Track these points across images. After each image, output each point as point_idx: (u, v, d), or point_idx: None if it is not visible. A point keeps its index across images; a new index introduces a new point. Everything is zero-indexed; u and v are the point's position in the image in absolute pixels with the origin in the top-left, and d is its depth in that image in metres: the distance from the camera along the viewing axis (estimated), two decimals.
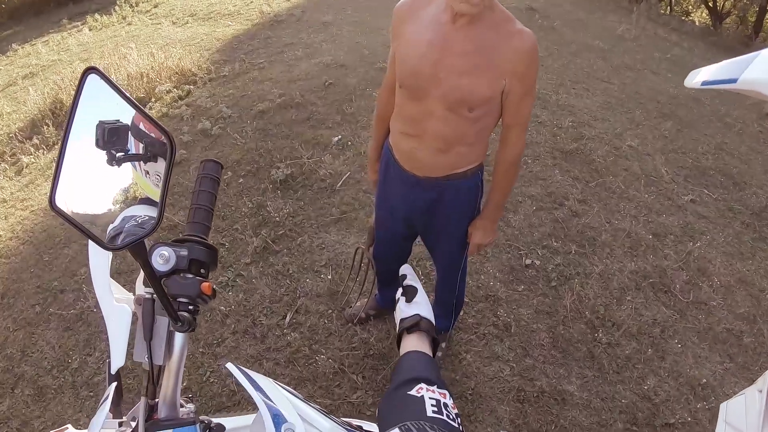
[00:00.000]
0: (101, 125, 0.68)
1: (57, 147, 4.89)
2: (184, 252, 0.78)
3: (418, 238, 2.06)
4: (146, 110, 0.71)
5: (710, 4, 14.59)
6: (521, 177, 3.63)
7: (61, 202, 0.63)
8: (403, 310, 1.04)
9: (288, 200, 3.41)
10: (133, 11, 12.51)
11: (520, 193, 3.46)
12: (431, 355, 0.96)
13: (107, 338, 0.82)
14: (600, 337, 2.52)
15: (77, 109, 0.67)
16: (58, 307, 2.92)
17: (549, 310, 2.63)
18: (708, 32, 12.41)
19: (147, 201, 0.75)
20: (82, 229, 0.64)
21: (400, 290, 1.09)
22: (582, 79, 5.75)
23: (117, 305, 0.83)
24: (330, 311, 2.58)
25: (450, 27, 1.42)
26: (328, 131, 4.20)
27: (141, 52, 7.02)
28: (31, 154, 5.13)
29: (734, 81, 0.74)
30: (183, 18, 10.69)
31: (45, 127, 5.58)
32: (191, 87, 5.80)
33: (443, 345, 2.32)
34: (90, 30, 11.54)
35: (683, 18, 14.76)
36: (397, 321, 1.05)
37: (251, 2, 11.05)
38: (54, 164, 0.66)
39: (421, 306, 1.04)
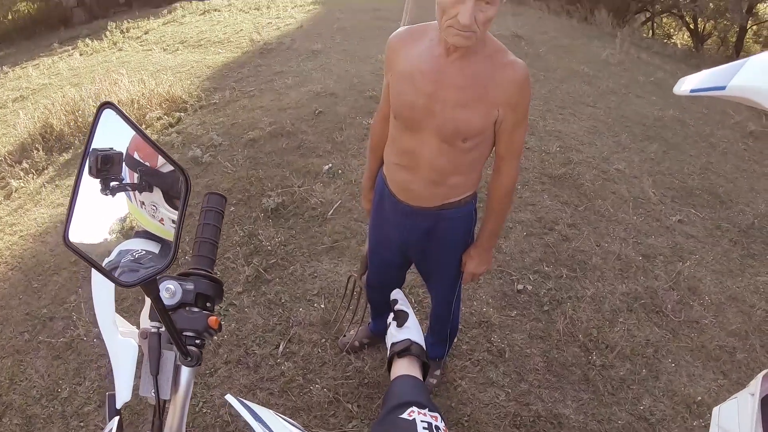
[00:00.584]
0: (94, 152, 0.67)
1: (44, 181, 4.91)
2: (190, 286, 0.79)
3: (412, 266, 2.08)
4: (161, 146, 0.71)
5: (691, 27, 14.92)
6: (511, 203, 3.69)
7: (74, 238, 0.64)
8: (394, 334, 1.06)
9: (279, 229, 3.43)
10: (123, 37, 12.65)
11: (511, 219, 3.51)
12: (422, 379, 0.98)
13: (111, 372, 0.82)
14: (594, 360, 2.54)
15: (92, 144, 0.67)
16: (48, 334, 2.90)
17: (542, 335, 2.65)
18: (690, 54, 12.66)
19: (143, 234, 0.75)
20: (96, 265, 0.65)
21: (391, 315, 1.11)
22: (568, 104, 5.86)
23: (122, 339, 0.83)
24: (323, 340, 2.59)
25: (444, 59, 1.45)
26: (318, 159, 4.25)
27: (132, 78, 7.07)
28: (21, 179, 5.11)
29: (723, 88, 0.73)
30: (173, 45, 10.81)
31: (35, 152, 5.57)
32: (182, 114, 5.85)
33: (438, 372, 2.33)
34: (81, 55, 11.66)
35: (665, 41, 15.08)
36: (388, 345, 1.06)
37: (241, 30, 11.20)
38: (69, 200, 0.66)
39: (412, 331, 1.05)
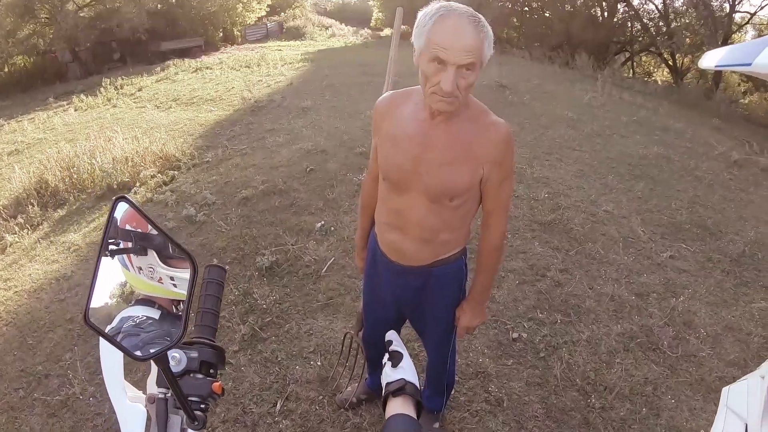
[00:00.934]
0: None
1: (39, 237, 5.03)
2: (194, 354, 0.85)
3: (407, 321, 2.12)
4: (172, 236, 0.79)
5: (670, 63, 15.32)
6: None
7: (93, 318, 0.71)
8: (389, 374, 1.08)
9: (274, 287, 3.49)
10: (117, 93, 13.08)
11: (503, 269, 3.57)
12: (416, 417, 1.00)
13: None
14: (593, 403, 2.57)
15: (109, 232, 0.76)
16: (43, 392, 2.89)
17: (540, 381, 2.68)
18: (671, 90, 12.96)
19: (142, 302, 0.83)
20: (115, 343, 0.71)
21: (386, 355, 1.13)
22: (555, 149, 6.03)
23: (130, 404, 0.87)
24: (321, 397, 2.60)
25: (429, 123, 1.52)
26: (311, 217, 4.37)
27: (126, 136, 7.24)
28: (16, 233, 5.20)
29: (748, 65, 0.74)
30: (166, 102, 11.13)
31: (30, 207, 5.69)
32: (175, 172, 6.01)
33: (437, 425, 2.35)
34: (75, 110, 11.99)
35: (646, 79, 15.45)
36: (383, 385, 1.08)
37: (232, 88, 11.54)
38: (90, 282, 0.73)
39: (406, 371, 1.07)
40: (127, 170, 6.14)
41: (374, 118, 1.70)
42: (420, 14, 1.43)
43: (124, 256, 0.80)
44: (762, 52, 0.72)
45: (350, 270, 3.58)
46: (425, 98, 1.46)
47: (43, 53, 22.08)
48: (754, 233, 4.43)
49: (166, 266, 0.83)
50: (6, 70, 21.60)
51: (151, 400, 0.84)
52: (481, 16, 1.39)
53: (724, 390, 1.13)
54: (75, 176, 6.21)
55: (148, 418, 0.85)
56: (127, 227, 0.79)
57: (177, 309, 0.86)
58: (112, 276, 0.78)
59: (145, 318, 0.80)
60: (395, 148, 1.59)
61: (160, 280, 0.83)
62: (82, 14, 22.37)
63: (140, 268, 0.82)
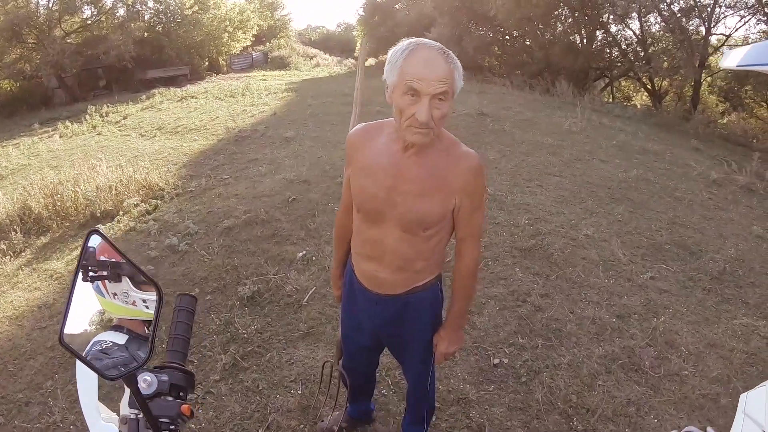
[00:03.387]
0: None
1: (22, 263, 4.97)
2: (164, 377, 0.91)
3: (386, 349, 2.14)
4: (138, 265, 0.88)
5: (649, 87, 15.64)
6: (482, 279, 3.78)
7: (68, 339, 0.78)
8: None
9: (255, 316, 3.49)
10: (102, 121, 13.17)
11: (483, 295, 3.60)
12: None
13: None
14: (575, 425, 2.56)
15: (82, 261, 0.84)
16: (23, 419, 2.86)
17: (522, 406, 2.68)
18: (650, 113, 13.19)
19: (113, 328, 0.88)
20: (87, 362, 0.78)
21: None
22: (535, 176, 6.10)
23: (104, 424, 0.92)
24: (302, 426, 2.59)
25: (401, 155, 1.55)
26: (292, 247, 4.38)
27: (110, 164, 7.26)
28: None
29: None
30: (151, 131, 11.19)
31: (13, 234, 5.65)
32: (159, 201, 6.04)
33: None
34: (60, 137, 12.02)
35: (626, 104, 15.74)
36: None
37: (217, 117, 11.62)
38: (65, 306, 0.80)
39: None
40: (111, 198, 6.16)
41: (347, 150, 1.72)
42: (390, 51, 1.47)
43: (100, 283, 0.86)
44: None
45: (331, 299, 3.57)
46: (401, 132, 1.49)
47: (29, 78, 22.11)
48: (734, 250, 4.50)
49: (138, 290, 0.90)
50: None
51: (123, 420, 0.89)
52: (449, 51, 1.44)
53: (742, 396, 1.11)
54: (59, 203, 6.21)
55: None
56: (102, 258, 0.86)
57: (148, 329, 0.90)
58: (88, 303, 0.85)
59: (111, 344, 0.85)
60: (369, 179, 1.61)
61: (134, 303, 0.89)
62: (69, 40, 22.56)
63: (115, 294, 0.88)
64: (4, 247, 5.45)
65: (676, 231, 4.89)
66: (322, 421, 2.55)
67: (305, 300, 3.63)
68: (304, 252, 4.27)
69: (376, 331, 1.95)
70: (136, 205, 5.95)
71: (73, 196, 6.22)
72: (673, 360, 3.08)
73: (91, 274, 0.85)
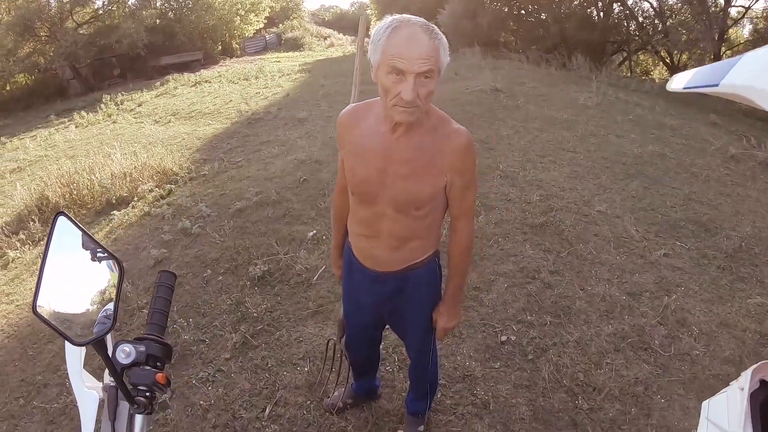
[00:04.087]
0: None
1: (41, 252, 5.09)
2: (142, 348, 0.96)
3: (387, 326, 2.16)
4: (98, 240, 0.95)
5: (667, 61, 15.31)
6: (492, 256, 3.77)
7: (41, 309, 0.85)
8: None
9: (266, 296, 3.53)
10: (118, 109, 13.34)
11: (492, 272, 3.58)
12: None
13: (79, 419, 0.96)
14: (581, 404, 2.55)
15: (52, 239, 0.91)
16: (42, 400, 2.96)
17: (527, 384, 2.67)
18: None
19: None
20: (56, 328, 0.85)
21: None
22: (548, 152, 6.02)
23: (87, 391, 0.97)
24: (309, 402, 2.62)
25: (390, 136, 1.55)
26: (303, 227, 4.40)
27: (125, 152, 7.38)
28: (17, 249, 5.32)
29: (715, 85, 0.75)
30: (165, 117, 11.32)
31: (31, 223, 5.80)
32: (172, 186, 6.12)
33: (421, 428, 2.35)
34: (76, 127, 12.21)
35: (643, 78, 15.43)
36: None
37: (230, 101, 11.69)
38: (36, 280, 0.88)
39: None
40: (126, 185, 6.26)
41: (338, 132, 1.73)
42: (374, 30, 1.45)
43: (74, 267, 0.95)
44: (729, 72, 0.73)
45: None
46: (387, 111, 1.48)
47: (43, 71, 22.36)
48: (751, 228, 4.42)
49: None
50: (7, 88, 21.94)
51: (105, 388, 0.95)
52: (433, 25, 1.42)
53: (704, 403, 1.14)
54: (75, 192, 6.33)
55: (102, 405, 0.95)
56: (75, 246, 0.95)
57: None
58: (66, 285, 0.93)
59: (104, 314, 0.92)
60: (359, 162, 1.62)
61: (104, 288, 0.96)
62: (81, 31, 22.70)
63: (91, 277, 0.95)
64: (24, 237, 5.60)
65: (691, 207, 4.80)
66: (328, 397, 2.59)
67: (315, 279, 3.65)
68: (314, 231, 4.29)
69: (376, 308, 1.98)
70: (151, 191, 6.04)
71: (88, 184, 6.34)
72: (684, 339, 3.04)
73: (61, 259, 0.93)
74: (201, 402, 2.69)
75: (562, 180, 5.20)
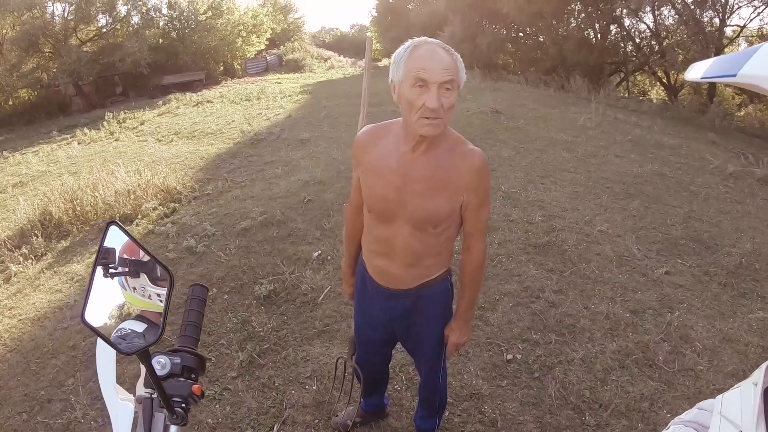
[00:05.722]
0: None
1: (43, 267, 5.14)
2: (177, 360, 0.99)
3: (399, 345, 2.17)
4: (150, 251, 0.96)
5: (664, 81, 15.46)
6: (496, 276, 3.81)
7: (89, 318, 0.86)
8: None
9: (272, 315, 3.55)
10: (120, 127, 13.39)
11: (497, 291, 3.62)
12: None
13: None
14: (588, 420, 2.57)
15: (103, 248, 0.92)
16: (45, 416, 2.94)
17: (534, 401, 2.69)
18: (665, 107, 13.04)
19: (135, 317, 0.94)
20: (105, 338, 0.86)
21: None
22: (549, 173, 6.09)
23: (122, 403, 0.99)
24: (316, 421, 2.62)
25: (410, 155, 1.59)
26: (308, 247, 4.44)
27: (128, 169, 7.42)
28: (20, 263, 5.30)
29: (733, 75, 0.74)
30: (168, 136, 11.36)
31: (34, 238, 5.79)
32: (176, 205, 6.14)
33: None
34: (79, 143, 12.25)
35: (641, 98, 15.55)
36: None
37: (233, 121, 11.76)
38: (86, 289, 0.88)
39: None
40: (129, 203, 6.28)
41: (354, 151, 1.76)
42: (394, 53, 1.54)
43: (123, 278, 0.94)
44: (747, 62, 0.72)
45: (346, 297, 3.62)
46: (412, 125, 1.52)
47: (46, 87, 22.56)
48: (751, 244, 4.45)
49: (153, 285, 0.96)
50: (10, 103, 22.16)
51: (138, 400, 0.97)
52: (449, 46, 1.50)
53: (718, 398, 1.12)
54: (78, 208, 6.34)
55: (136, 417, 0.97)
56: (125, 256, 0.94)
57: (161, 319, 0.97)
58: (110, 293, 0.92)
59: (130, 331, 0.91)
60: (379, 180, 1.66)
61: (149, 297, 0.96)
62: (85, 49, 22.98)
63: (134, 288, 0.95)
64: (26, 252, 5.59)
65: (691, 225, 4.85)
66: (336, 416, 2.60)
67: (320, 298, 3.68)
68: (320, 251, 4.33)
69: (389, 325, 1.99)
70: (155, 209, 6.06)
71: (92, 200, 6.36)
72: (688, 355, 3.05)
73: (111, 269, 0.93)
74: (208, 420, 2.69)
75: (563, 200, 5.25)
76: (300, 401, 2.77)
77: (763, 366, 0.98)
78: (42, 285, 4.75)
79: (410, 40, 1.52)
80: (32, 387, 3.25)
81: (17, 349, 3.75)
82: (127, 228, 4.51)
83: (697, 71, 0.87)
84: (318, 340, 3.27)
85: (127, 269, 0.95)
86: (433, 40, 1.51)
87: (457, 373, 2.88)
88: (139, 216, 5.95)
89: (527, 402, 2.69)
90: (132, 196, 6.41)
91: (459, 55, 1.50)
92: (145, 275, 0.96)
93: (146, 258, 0.96)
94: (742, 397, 1.04)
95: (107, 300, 0.92)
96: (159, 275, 0.97)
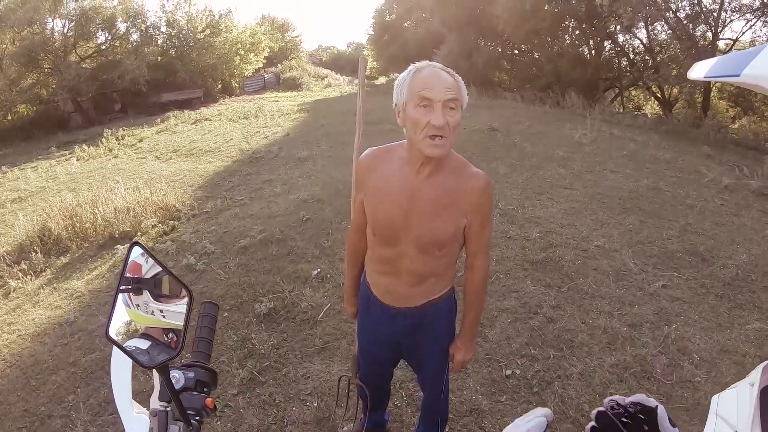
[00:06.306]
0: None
1: (42, 283, 5.18)
2: (191, 374, 1.02)
3: (400, 362, 2.20)
4: (171, 270, 0.99)
5: (658, 96, 15.57)
6: (495, 292, 3.84)
7: (113, 333, 0.88)
8: None
9: (272, 333, 3.57)
10: (119, 144, 13.46)
11: (495, 308, 3.64)
12: None
13: None
14: None
15: (127, 267, 0.95)
16: None
17: None
18: (660, 122, 13.12)
19: (143, 335, 0.97)
20: (127, 352, 0.88)
21: None
22: (546, 189, 6.14)
23: (137, 415, 1.01)
24: None
25: (415, 178, 1.61)
26: (307, 265, 4.47)
27: (127, 186, 7.46)
28: (19, 279, 5.31)
29: (737, 75, 0.74)
30: (166, 153, 11.41)
31: (33, 254, 5.80)
32: (175, 222, 6.16)
33: None
34: (77, 160, 12.28)
35: (636, 113, 15.66)
36: None
37: (231, 139, 11.82)
38: (111, 307, 0.90)
39: None
40: (129, 220, 6.31)
41: (357, 173, 1.79)
42: (397, 79, 1.58)
43: (126, 295, 0.96)
44: (750, 62, 0.72)
45: (346, 315, 3.62)
46: (417, 146, 1.54)
47: (45, 102, 22.66)
48: (747, 256, 4.49)
49: (156, 302, 1.00)
50: (9, 118, 22.21)
51: (153, 413, 0.98)
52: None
53: (714, 398, 1.13)
54: (77, 225, 6.38)
55: (151, 430, 0.99)
56: (128, 275, 0.97)
57: (167, 337, 0.98)
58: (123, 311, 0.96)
59: (134, 348, 0.93)
60: (383, 204, 1.68)
61: (152, 313, 0.99)
62: (84, 65, 23.14)
63: (138, 305, 0.97)
64: (25, 267, 5.61)
65: (687, 238, 4.89)
66: None
67: (320, 316, 3.71)
68: (319, 269, 4.36)
69: (394, 344, 2.01)
70: (154, 226, 6.10)
71: (91, 217, 6.40)
72: (686, 367, 3.08)
73: (132, 287, 0.97)
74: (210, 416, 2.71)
75: (560, 216, 5.30)
76: (301, 418, 2.78)
77: (760, 367, 0.99)
78: (41, 301, 4.78)
79: (412, 65, 1.55)
80: (32, 403, 3.26)
81: (17, 364, 3.76)
82: (125, 246, 4.54)
83: (699, 70, 0.88)
84: (318, 358, 3.28)
85: (147, 287, 0.98)
86: (434, 63, 1.55)
87: (457, 389, 2.89)
88: (139, 233, 5.98)
89: None
90: (131, 214, 6.45)
91: (461, 77, 1.54)
92: (148, 292, 0.99)
93: (166, 276, 0.99)
94: (738, 397, 1.05)
95: (130, 316, 0.95)
96: (180, 293, 1.00)
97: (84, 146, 13.59)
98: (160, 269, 0.99)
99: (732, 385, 1.09)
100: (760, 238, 5.02)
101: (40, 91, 22.34)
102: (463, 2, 19.47)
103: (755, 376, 1.01)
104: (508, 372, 3.03)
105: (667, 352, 3.21)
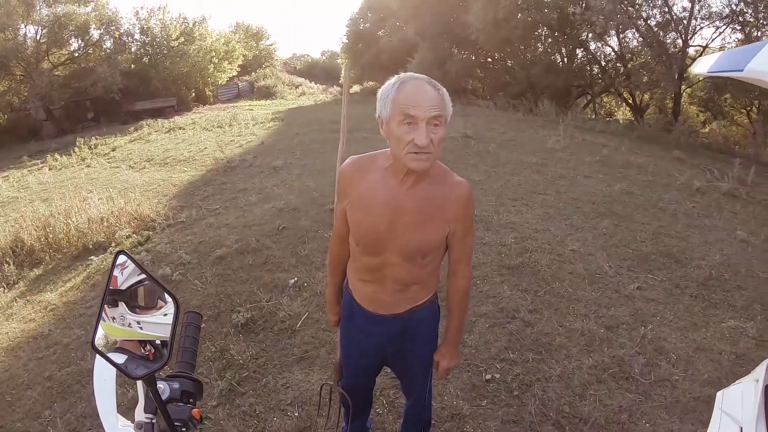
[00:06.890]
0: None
1: (15, 295, 5.09)
2: (176, 385, 1.01)
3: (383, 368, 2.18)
4: (159, 280, 0.98)
5: (630, 102, 15.87)
6: (472, 298, 3.82)
7: (99, 344, 0.87)
8: None
9: (250, 343, 3.53)
10: (91, 153, 13.28)
11: (473, 314, 3.65)
12: None
13: None
14: None
15: (111, 276, 0.94)
16: None
17: (515, 419, 2.71)
18: (632, 127, 13.37)
19: (119, 349, 0.94)
20: (113, 362, 0.87)
21: None
22: (520, 195, 6.21)
23: (122, 429, 0.99)
24: None
25: (398, 188, 1.61)
26: (284, 274, 4.44)
27: (100, 196, 7.35)
28: None
29: (740, 70, 0.75)
30: (140, 162, 11.28)
31: (5, 266, 5.69)
32: (150, 233, 6.09)
33: None
34: (50, 169, 12.10)
35: (608, 119, 15.91)
36: None
37: (205, 148, 11.71)
38: (96, 318, 0.89)
39: None
40: (103, 230, 6.21)
41: (340, 183, 1.77)
42: (381, 89, 1.56)
43: (102, 309, 0.94)
44: (754, 57, 0.74)
45: (324, 323, 3.63)
46: (401, 160, 1.54)
47: (17, 110, 22.24)
48: (720, 256, 4.58)
49: (132, 313, 0.97)
50: None
51: (139, 426, 0.97)
52: (435, 81, 1.53)
53: (719, 393, 1.14)
54: (51, 236, 6.25)
55: None
56: (131, 284, 0.97)
57: (144, 349, 0.96)
58: (121, 316, 0.95)
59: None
60: (367, 214, 1.67)
61: (129, 325, 0.96)
62: (56, 73, 22.77)
63: (113, 318, 0.95)
64: None
65: (661, 241, 4.97)
66: None
67: (298, 325, 3.68)
68: (296, 278, 4.33)
69: (379, 351, 2.00)
70: (128, 237, 6.00)
71: (65, 228, 6.28)
72: (663, 366, 3.13)
73: (117, 297, 0.95)
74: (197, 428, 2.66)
75: (535, 222, 5.36)
76: (282, 428, 2.75)
77: (764, 363, 1.03)
78: (15, 314, 4.67)
79: (396, 76, 1.54)
80: (7, 419, 3.18)
81: None
82: (101, 256, 4.44)
83: (703, 65, 0.90)
84: (297, 367, 3.26)
85: (132, 297, 0.97)
86: (419, 75, 1.53)
87: (437, 394, 2.89)
88: (113, 244, 5.88)
89: (508, 420, 2.72)
90: (105, 224, 6.35)
91: (445, 89, 1.53)
92: (123, 303, 0.97)
93: (148, 285, 0.98)
94: (743, 393, 1.08)
95: (116, 326, 0.94)
96: (156, 304, 0.99)
97: (56, 155, 13.37)
98: (145, 277, 0.97)
99: (737, 381, 1.10)
100: (731, 239, 5.14)
101: (12, 99, 21.98)
102: (436, 11, 19.65)
103: (760, 372, 1.04)
104: (488, 376, 3.04)
105: (645, 352, 3.26)
